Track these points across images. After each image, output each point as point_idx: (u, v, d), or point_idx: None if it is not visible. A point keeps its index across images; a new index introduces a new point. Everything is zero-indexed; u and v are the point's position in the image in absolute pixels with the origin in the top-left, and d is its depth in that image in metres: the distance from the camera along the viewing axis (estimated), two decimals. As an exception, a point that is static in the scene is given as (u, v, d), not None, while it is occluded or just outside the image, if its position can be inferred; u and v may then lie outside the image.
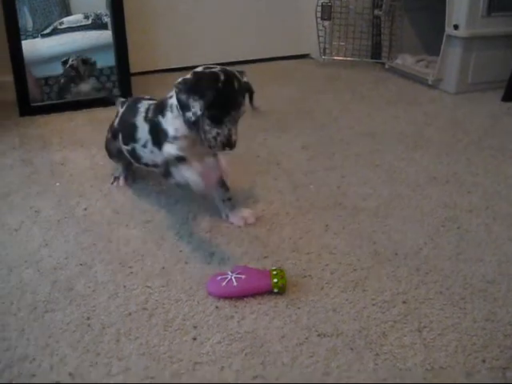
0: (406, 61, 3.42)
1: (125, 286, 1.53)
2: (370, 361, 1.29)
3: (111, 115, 2.09)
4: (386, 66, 3.53)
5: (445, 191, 2.05)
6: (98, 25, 2.83)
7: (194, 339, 1.35)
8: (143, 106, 1.88)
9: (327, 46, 3.62)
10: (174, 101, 1.71)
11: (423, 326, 1.40)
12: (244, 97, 1.69)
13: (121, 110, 2.02)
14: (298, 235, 1.76)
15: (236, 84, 1.64)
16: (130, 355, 1.30)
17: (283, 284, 1.48)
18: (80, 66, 2.80)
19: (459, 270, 1.61)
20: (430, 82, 3.17)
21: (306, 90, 3.17)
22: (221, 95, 1.60)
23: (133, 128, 1.86)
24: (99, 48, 2.84)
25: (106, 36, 2.83)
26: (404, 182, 2.11)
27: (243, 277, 1.50)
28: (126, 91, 2.86)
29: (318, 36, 3.58)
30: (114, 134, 2.01)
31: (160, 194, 2.00)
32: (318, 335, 1.37)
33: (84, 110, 2.77)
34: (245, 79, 1.72)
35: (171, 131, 1.71)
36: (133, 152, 1.89)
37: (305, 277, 1.56)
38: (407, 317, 1.43)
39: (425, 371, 1.27)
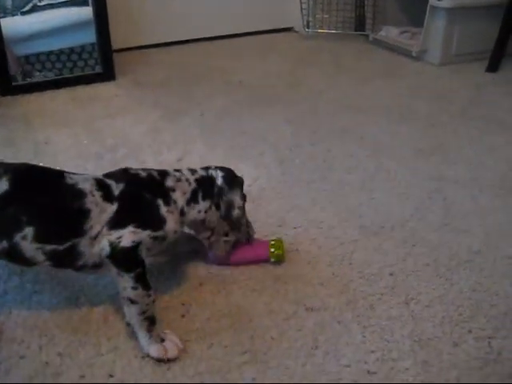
0: (390, 32, 3.41)
1: (112, 265, 1.52)
2: (357, 333, 1.30)
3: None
4: (370, 38, 3.51)
5: (430, 163, 2.05)
6: (78, 1, 2.78)
7: (183, 316, 1.35)
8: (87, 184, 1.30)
9: (311, 19, 3.60)
10: (170, 183, 1.38)
11: (410, 297, 1.41)
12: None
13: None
14: (284, 210, 1.76)
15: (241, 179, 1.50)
16: (119, 334, 1.30)
17: (279, 254, 1.49)
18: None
19: (445, 241, 1.62)
20: (414, 54, 3.16)
21: (290, 64, 3.15)
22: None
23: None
24: (80, 25, 2.80)
25: (86, 12, 2.78)
26: (389, 155, 2.11)
27: (242, 246, 1.52)
28: (108, 68, 2.83)
29: (302, 9, 3.55)
30: None
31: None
32: (306, 309, 1.37)
33: (66, 88, 2.73)
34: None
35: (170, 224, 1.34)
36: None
37: (292, 251, 1.56)
38: (394, 289, 1.44)
39: (412, 342, 1.28)
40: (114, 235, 1.25)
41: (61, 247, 1.24)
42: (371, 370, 1.21)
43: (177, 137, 2.25)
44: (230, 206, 1.41)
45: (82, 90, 2.70)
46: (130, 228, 1.26)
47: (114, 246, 1.24)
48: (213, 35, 3.53)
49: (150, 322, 1.26)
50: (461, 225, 1.69)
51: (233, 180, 1.45)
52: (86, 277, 1.47)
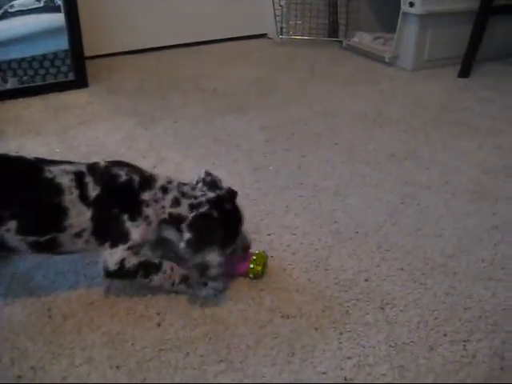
0: (363, 39, 3.44)
1: (85, 275, 1.50)
2: (333, 340, 1.30)
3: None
4: (344, 45, 3.54)
5: (404, 168, 2.07)
6: (50, 8, 2.75)
7: (158, 325, 1.34)
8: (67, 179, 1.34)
9: (284, 25, 3.61)
10: (148, 196, 1.38)
11: (385, 302, 1.41)
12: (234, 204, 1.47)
13: None
14: (258, 217, 1.76)
15: (228, 206, 1.43)
16: (93, 344, 1.29)
17: (259, 270, 1.46)
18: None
19: (419, 245, 1.63)
20: (387, 60, 3.18)
21: (264, 70, 3.16)
22: (227, 227, 1.40)
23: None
24: (52, 31, 2.77)
25: (58, 19, 2.75)
26: (363, 161, 2.12)
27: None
28: (81, 75, 2.81)
29: (275, 15, 3.57)
30: None
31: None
32: (282, 316, 1.37)
33: (39, 96, 2.70)
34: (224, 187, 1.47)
35: (138, 237, 1.37)
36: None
37: (267, 258, 1.56)
38: (369, 294, 1.44)
39: (388, 348, 1.28)
40: (101, 259, 1.36)
41: (42, 239, 1.31)
42: (348, 376, 1.21)
43: (151, 144, 2.24)
44: (204, 268, 1.36)
45: (55, 98, 2.68)
46: (108, 248, 1.35)
47: (106, 271, 1.36)
48: (187, 42, 3.53)
49: (185, 282, 1.40)
50: (434, 229, 1.71)
51: (203, 238, 1.35)
52: (58, 288, 1.45)
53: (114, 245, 1.34)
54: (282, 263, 1.55)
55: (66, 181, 1.32)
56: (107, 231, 1.35)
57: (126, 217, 1.34)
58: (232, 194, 1.44)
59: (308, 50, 3.52)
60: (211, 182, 1.45)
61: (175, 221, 1.38)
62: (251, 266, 1.46)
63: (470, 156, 2.16)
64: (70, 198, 1.31)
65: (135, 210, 1.36)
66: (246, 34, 3.73)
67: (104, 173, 1.38)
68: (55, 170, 1.34)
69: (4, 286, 1.46)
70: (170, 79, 2.99)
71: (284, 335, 1.31)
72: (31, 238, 1.31)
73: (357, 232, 1.69)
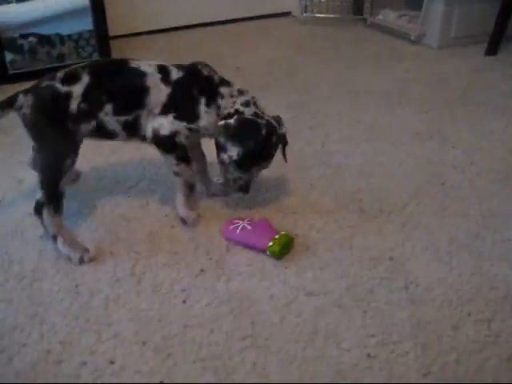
0: (388, 16, 3.39)
1: (112, 252, 1.53)
2: (357, 318, 1.31)
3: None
4: (368, 22, 3.50)
5: (429, 147, 2.05)
6: (74, -12, 2.77)
7: (184, 302, 1.36)
8: (148, 68, 1.59)
9: (308, 3, 3.58)
10: (226, 91, 1.63)
11: (410, 281, 1.41)
12: (277, 149, 1.66)
13: (82, 84, 1.53)
14: (283, 195, 1.76)
15: (274, 139, 1.61)
16: (120, 321, 1.31)
17: (275, 250, 1.47)
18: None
19: (444, 225, 1.62)
20: (412, 38, 3.14)
21: (288, 49, 3.14)
22: (259, 148, 1.58)
23: (139, 92, 1.56)
24: (77, 12, 2.78)
25: (82, -1, 2.77)
26: (388, 139, 2.11)
27: (249, 228, 1.53)
28: (106, 55, 2.82)
29: (299, -7, 3.54)
30: (77, 116, 1.54)
31: (143, 160, 1.98)
32: (306, 294, 1.38)
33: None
34: (282, 130, 1.67)
35: (204, 122, 1.59)
36: (133, 123, 1.58)
37: (292, 241, 1.57)
38: (394, 273, 1.44)
39: (412, 326, 1.28)
40: (157, 122, 1.56)
41: (130, 117, 1.57)
42: (371, 353, 1.22)
43: (175, 123, 2.24)
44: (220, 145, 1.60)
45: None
46: (170, 118, 1.56)
47: (155, 134, 1.57)
48: (210, 20, 3.51)
49: (190, 189, 1.64)
50: (459, 209, 1.70)
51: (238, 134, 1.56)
52: (85, 265, 1.48)
53: (177, 117, 1.56)
54: (307, 241, 1.55)
55: (149, 69, 1.59)
56: (177, 106, 1.57)
57: (203, 100, 1.58)
58: (284, 135, 1.68)
59: (332, 29, 3.49)
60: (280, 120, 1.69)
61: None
62: (270, 243, 1.48)
63: (495, 136, 2.14)
64: (152, 79, 1.57)
65: (212, 98, 1.59)
66: (270, 13, 3.70)
67: (190, 65, 1.66)
68: (140, 63, 1.61)
69: (32, 263, 1.49)
70: (192, 58, 2.96)
71: (308, 313, 1.32)
72: (123, 118, 1.56)
73: (381, 211, 1.68)
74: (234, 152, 1.57)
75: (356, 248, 1.53)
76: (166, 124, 1.56)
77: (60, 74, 1.55)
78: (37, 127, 1.53)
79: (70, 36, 2.77)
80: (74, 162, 1.55)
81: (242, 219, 1.58)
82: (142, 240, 1.57)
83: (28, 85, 1.79)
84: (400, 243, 1.55)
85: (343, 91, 2.56)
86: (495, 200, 1.74)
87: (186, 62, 2.70)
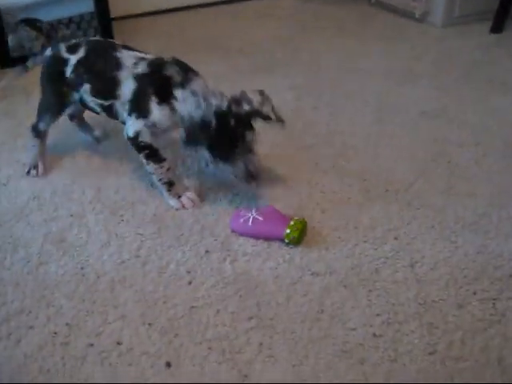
0: (392, -6, 3.36)
1: (117, 235, 1.53)
2: (363, 297, 1.31)
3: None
4: (372, 1, 3.46)
5: (434, 126, 2.04)
6: (75, -31, 2.75)
7: (189, 284, 1.36)
8: (128, 59, 1.64)
9: (311, -18, 3.54)
10: (179, 95, 1.58)
11: (415, 261, 1.41)
12: (247, 125, 1.58)
13: (81, 51, 1.70)
14: (287, 175, 1.76)
15: (232, 120, 1.54)
16: (126, 302, 1.31)
17: (294, 236, 1.45)
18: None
19: (450, 204, 1.62)
20: (416, 16, 3.11)
21: (291, 29, 3.11)
22: (217, 138, 1.54)
23: (113, 82, 1.63)
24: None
25: (83, -20, 2.75)
26: (393, 118, 2.10)
27: (261, 219, 1.50)
28: (108, 37, 2.80)
29: (302, -28, 3.50)
30: (69, 82, 1.71)
31: (148, 141, 1.98)
32: (312, 274, 1.38)
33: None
34: (246, 107, 1.57)
35: (155, 117, 1.59)
36: (109, 108, 1.68)
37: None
38: (399, 252, 1.44)
39: (417, 305, 1.28)
40: (127, 122, 1.63)
41: (105, 103, 1.67)
42: (377, 332, 1.22)
43: (179, 105, 2.23)
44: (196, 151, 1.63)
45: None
46: (133, 117, 1.61)
47: (126, 135, 1.63)
48: (212, 1, 3.49)
49: (169, 184, 1.64)
50: (465, 187, 1.69)
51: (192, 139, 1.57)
52: (91, 247, 1.48)
53: (138, 116, 1.60)
54: (312, 221, 1.55)
55: (128, 61, 1.64)
56: (138, 104, 1.61)
57: (154, 98, 1.58)
58: (250, 113, 1.57)
59: (335, 7, 3.45)
60: (239, 99, 1.59)
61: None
62: (287, 230, 1.46)
63: (502, 113, 2.12)
64: (127, 73, 1.62)
65: (165, 98, 1.58)
66: (273, -8, 3.67)
67: (158, 63, 1.63)
68: (124, 53, 1.66)
69: (37, 246, 1.49)
70: (194, 39, 2.97)
71: (314, 292, 1.33)
72: (99, 101, 1.68)
73: (387, 190, 1.68)
74: (203, 152, 1.59)
75: (361, 227, 1.53)
76: (130, 125, 1.62)
77: (68, 43, 1.75)
78: (41, 81, 1.79)
79: (71, 18, 2.75)
80: (56, 119, 1.81)
81: (249, 210, 1.54)
82: (147, 222, 1.58)
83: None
84: (405, 222, 1.55)
85: (348, 70, 2.54)
86: (501, 178, 1.73)
87: (189, 43, 2.68)
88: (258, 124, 1.60)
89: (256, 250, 1.46)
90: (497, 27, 2.94)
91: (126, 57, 1.65)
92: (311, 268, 1.40)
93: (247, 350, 1.19)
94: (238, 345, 1.20)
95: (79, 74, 1.68)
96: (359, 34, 3.02)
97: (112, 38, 2.81)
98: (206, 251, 1.46)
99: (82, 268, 1.42)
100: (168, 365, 1.17)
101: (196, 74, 1.64)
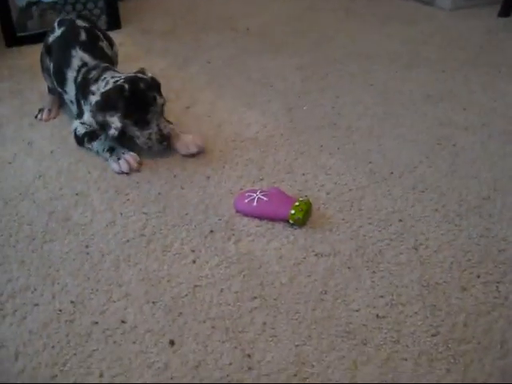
0: (400, -24, 3.33)
1: (121, 214, 1.53)
2: (366, 279, 1.31)
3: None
4: (380, -17, 3.43)
5: (440, 109, 2.04)
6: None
7: (193, 263, 1.37)
8: (76, 58, 1.89)
9: (319, -37, 3.51)
10: (93, 99, 1.75)
11: (419, 243, 1.41)
12: (156, 91, 1.76)
13: (58, 31, 2.00)
14: (292, 156, 1.76)
15: (142, 85, 1.72)
16: (130, 281, 1.32)
17: (299, 217, 1.45)
18: None
19: (455, 187, 1.61)
20: (425, -1, 3.09)
21: (298, 10, 3.10)
22: (132, 101, 1.69)
23: (63, 77, 1.91)
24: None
25: (90, -41, 2.73)
26: (398, 101, 2.09)
27: (266, 199, 1.50)
28: (114, 17, 2.79)
29: (310, -47, 3.47)
30: (47, 50, 2.02)
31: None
32: (316, 255, 1.38)
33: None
34: (149, 75, 1.79)
35: (86, 119, 1.81)
36: (61, 95, 2.03)
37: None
38: (403, 235, 1.44)
39: (421, 287, 1.29)
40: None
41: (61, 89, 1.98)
42: (380, 314, 1.23)
43: (184, 84, 2.23)
44: (104, 125, 1.73)
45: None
46: (74, 120, 1.88)
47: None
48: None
49: (110, 152, 1.74)
50: (470, 171, 1.69)
51: (106, 103, 1.71)
52: (96, 226, 1.48)
53: (77, 118, 1.86)
54: (316, 202, 1.55)
55: (76, 62, 1.87)
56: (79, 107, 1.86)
57: (82, 100, 1.82)
58: (151, 81, 1.76)
59: (343, -11, 3.43)
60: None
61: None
62: (292, 211, 1.45)
63: (508, 97, 2.11)
64: (72, 74, 1.87)
65: (87, 97, 1.78)
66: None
67: (94, 67, 1.85)
68: (81, 54, 1.89)
69: (42, 225, 1.50)
70: (202, 20, 2.96)
71: (317, 273, 1.33)
72: (60, 90, 1.98)
73: (391, 172, 1.68)
74: (116, 122, 1.70)
75: (366, 209, 1.53)
76: (72, 126, 1.87)
77: (60, 17, 2.06)
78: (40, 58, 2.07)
79: (77, -2, 2.74)
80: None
81: (254, 191, 1.54)
82: (151, 201, 1.58)
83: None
84: (410, 205, 1.55)
85: (355, 53, 2.53)
86: (507, 162, 1.73)
87: (196, 23, 2.67)
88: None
89: (260, 231, 1.46)
90: (505, 11, 2.93)
91: (86, 56, 1.89)
92: (315, 249, 1.40)
93: (250, 330, 1.20)
94: (241, 324, 1.21)
95: (50, 52, 1.99)
96: (366, 16, 3.01)
97: (118, 18, 2.80)
98: (211, 231, 1.46)
99: (86, 246, 1.42)
100: (172, 343, 1.17)
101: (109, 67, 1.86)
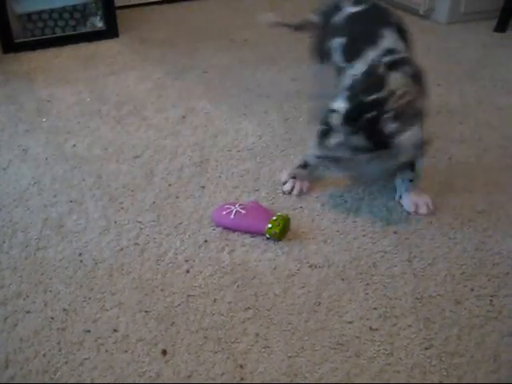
0: (397, -10, 3.35)
1: (116, 222, 1.53)
2: (360, 291, 1.31)
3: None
4: (377, -4, 3.45)
5: (436, 122, 2.04)
6: (79, -43, 2.74)
7: (187, 272, 1.36)
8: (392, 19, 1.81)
9: (317, -24, 3.53)
10: None
11: (413, 256, 1.41)
12: None
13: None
14: (288, 167, 1.75)
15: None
16: (123, 289, 1.31)
17: (276, 232, 1.44)
18: None
19: (449, 200, 1.62)
20: (421, 12, 3.10)
21: (295, 21, 3.10)
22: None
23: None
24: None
25: (88, -32, 2.74)
26: (395, 114, 2.09)
27: (243, 212, 1.49)
28: (112, 25, 2.79)
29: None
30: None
31: (148, 129, 1.98)
32: (310, 266, 1.38)
33: (69, 46, 2.70)
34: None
35: None
36: None
37: (296, 209, 1.57)
38: (398, 247, 1.44)
39: (414, 300, 1.28)
40: None
41: None
42: (373, 326, 1.22)
43: (181, 94, 2.24)
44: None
45: (85, 48, 2.68)
46: None
47: None
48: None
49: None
50: (465, 184, 1.69)
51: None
52: (89, 234, 1.48)
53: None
54: (311, 214, 1.55)
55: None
56: None
57: None
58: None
59: (340, 2, 3.44)
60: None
61: None
62: (269, 225, 1.45)
63: (503, 112, 2.12)
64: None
65: None
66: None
67: None
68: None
69: (36, 231, 1.49)
70: (199, 30, 2.96)
71: (311, 284, 1.33)
72: None
73: (385, 186, 1.68)
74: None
75: (360, 221, 1.53)
76: None
77: None
78: None
79: (75, 6, 2.74)
80: None
81: (233, 204, 1.53)
82: (146, 210, 1.58)
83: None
84: (404, 217, 1.55)
85: (350, 65, 2.53)
86: (502, 176, 1.73)
87: (193, 33, 2.68)
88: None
89: (254, 241, 1.46)
90: (501, 26, 2.93)
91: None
92: (309, 260, 1.40)
93: (243, 340, 1.19)
94: (234, 334, 1.20)
95: None
96: (363, 28, 3.01)
97: (116, 26, 2.80)
98: (205, 240, 1.46)
99: (80, 254, 1.42)
100: (164, 352, 1.17)
101: None
